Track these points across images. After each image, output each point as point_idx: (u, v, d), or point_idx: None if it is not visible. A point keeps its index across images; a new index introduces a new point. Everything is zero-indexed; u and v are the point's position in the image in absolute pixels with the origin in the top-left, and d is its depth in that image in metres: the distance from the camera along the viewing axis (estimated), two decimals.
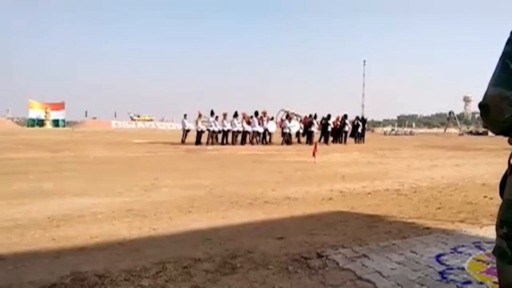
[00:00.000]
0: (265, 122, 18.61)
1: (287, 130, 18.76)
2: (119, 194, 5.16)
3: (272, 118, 19.55)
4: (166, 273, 2.44)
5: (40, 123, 46.76)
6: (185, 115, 18.97)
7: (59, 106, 50.03)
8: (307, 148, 14.47)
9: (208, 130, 17.45)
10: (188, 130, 18.72)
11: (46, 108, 47.80)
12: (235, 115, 18.06)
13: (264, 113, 18.72)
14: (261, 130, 18.42)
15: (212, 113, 17.48)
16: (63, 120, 50.57)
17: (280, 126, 19.42)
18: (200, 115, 17.79)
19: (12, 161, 9.10)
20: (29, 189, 5.44)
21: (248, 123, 18.12)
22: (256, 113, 18.48)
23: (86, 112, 57.00)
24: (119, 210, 4.22)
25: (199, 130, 17.50)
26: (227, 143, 17.69)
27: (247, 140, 18.09)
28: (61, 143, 16.42)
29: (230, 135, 18.00)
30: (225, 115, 17.88)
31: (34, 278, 2.32)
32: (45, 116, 47.30)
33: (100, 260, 2.65)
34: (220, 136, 17.92)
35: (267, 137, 19.10)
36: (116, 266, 2.53)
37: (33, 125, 45.82)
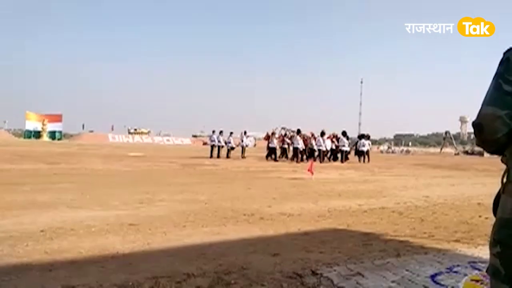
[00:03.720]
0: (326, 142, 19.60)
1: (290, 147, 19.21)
2: (113, 207, 5.12)
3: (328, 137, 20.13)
4: None
5: (37, 134, 46.51)
6: (227, 132, 20.22)
7: (57, 118, 49.82)
8: (304, 165, 14.46)
9: (287, 146, 19.24)
10: (222, 147, 19.57)
11: (43, 120, 47.61)
12: (322, 134, 19.50)
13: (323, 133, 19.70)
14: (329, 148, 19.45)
15: (296, 131, 19.30)
16: (60, 132, 50.32)
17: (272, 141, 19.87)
18: (274, 133, 19.41)
19: (7, 172, 9.04)
20: (23, 200, 5.39)
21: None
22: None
23: (83, 125, 56.92)
24: (113, 223, 4.18)
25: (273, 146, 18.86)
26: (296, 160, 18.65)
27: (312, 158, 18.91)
28: (57, 155, 16.34)
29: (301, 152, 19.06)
30: (292, 135, 19.56)
31: None
32: (42, 128, 47.09)
33: (92, 274, 2.62)
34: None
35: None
36: (108, 280, 2.50)
37: (29, 137, 45.55)
